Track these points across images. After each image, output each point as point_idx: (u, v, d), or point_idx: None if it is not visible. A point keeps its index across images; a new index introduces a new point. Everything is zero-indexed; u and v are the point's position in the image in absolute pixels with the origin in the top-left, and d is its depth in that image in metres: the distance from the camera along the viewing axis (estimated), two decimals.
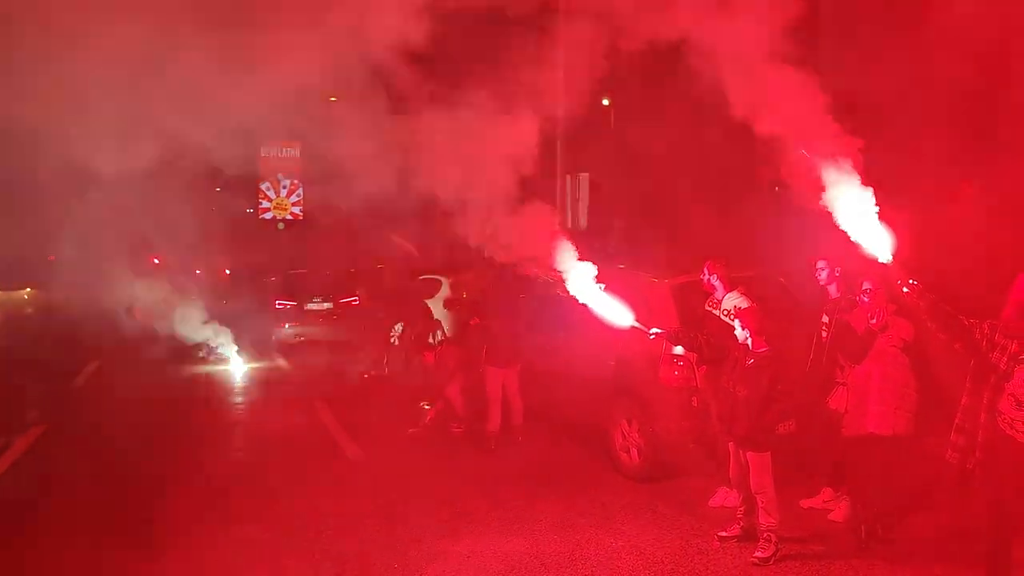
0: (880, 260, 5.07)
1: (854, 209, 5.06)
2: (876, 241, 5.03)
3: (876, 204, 5.06)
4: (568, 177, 13.75)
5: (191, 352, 15.10)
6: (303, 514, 7.05)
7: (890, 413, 5.75)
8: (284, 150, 31.98)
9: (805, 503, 6.63)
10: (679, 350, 7.14)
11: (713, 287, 6.92)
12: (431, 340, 9.96)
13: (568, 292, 6.29)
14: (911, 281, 4.84)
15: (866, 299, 5.85)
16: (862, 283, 5.83)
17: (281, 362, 15.44)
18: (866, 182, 5.09)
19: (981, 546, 4.75)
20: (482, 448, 8.83)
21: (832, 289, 6.49)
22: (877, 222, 5.05)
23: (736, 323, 5.93)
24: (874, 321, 5.69)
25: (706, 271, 6.95)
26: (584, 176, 14.59)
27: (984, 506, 4.77)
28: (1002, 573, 4.69)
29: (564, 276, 6.25)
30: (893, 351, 5.81)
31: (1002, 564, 4.68)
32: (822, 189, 5.16)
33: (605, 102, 24.24)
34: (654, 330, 6.24)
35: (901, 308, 5.67)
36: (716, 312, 6.83)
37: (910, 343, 5.80)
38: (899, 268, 4.95)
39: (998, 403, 4.51)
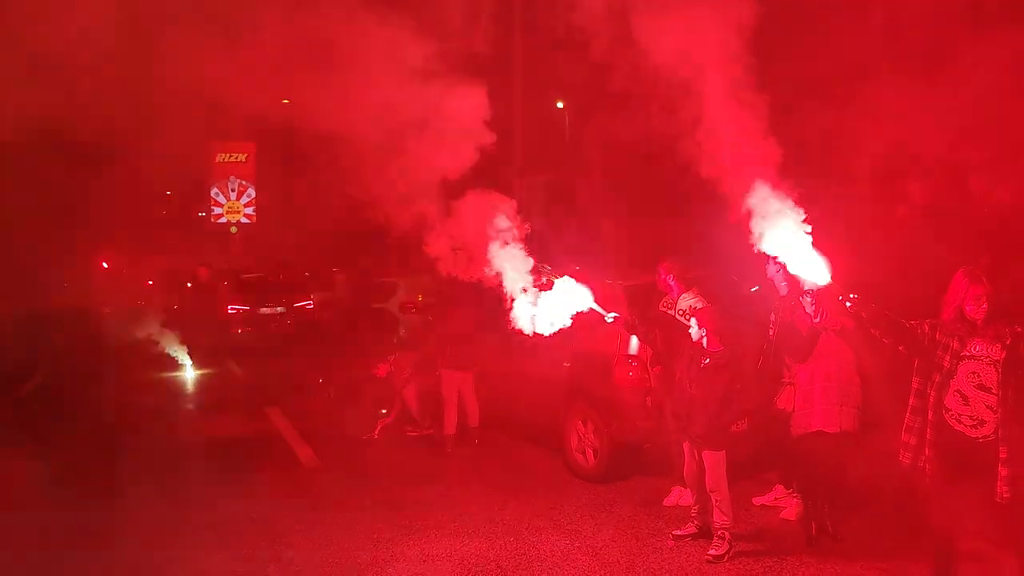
0: (820, 284, 5.17)
1: (787, 240, 5.13)
2: (813, 266, 5.10)
3: (808, 228, 5.13)
4: (524, 179, 13.76)
5: (142, 358, 14.79)
6: (256, 520, 6.95)
7: (836, 410, 5.83)
8: (235, 156, 31.68)
9: (757, 500, 6.71)
10: (633, 349, 7.18)
11: (669, 287, 6.96)
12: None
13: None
14: (852, 296, 4.92)
15: (809, 300, 5.90)
16: (805, 287, 5.88)
17: (234, 367, 15.20)
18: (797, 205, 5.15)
19: (929, 542, 4.82)
20: (438, 451, 8.80)
21: (783, 287, 6.55)
22: (810, 248, 5.13)
23: (692, 322, 5.97)
24: (818, 319, 5.77)
25: (661, 271, 6.98)
26: (540, 179, 14.63)
27: (932, 502, 4.85)
28: (949, 569, 4.77)
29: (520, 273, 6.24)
30: (837, 349, 5.87)
31: (949, 559, 4.77)
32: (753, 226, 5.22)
33: (559, 105, 24.40)
34: (612, 314, 6.26)
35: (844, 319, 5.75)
36: (671, 312, 6.87)
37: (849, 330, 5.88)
38: (839, 286, 5.03)
39: (944, 400, 4.60)
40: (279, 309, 16.97)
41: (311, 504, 7.34)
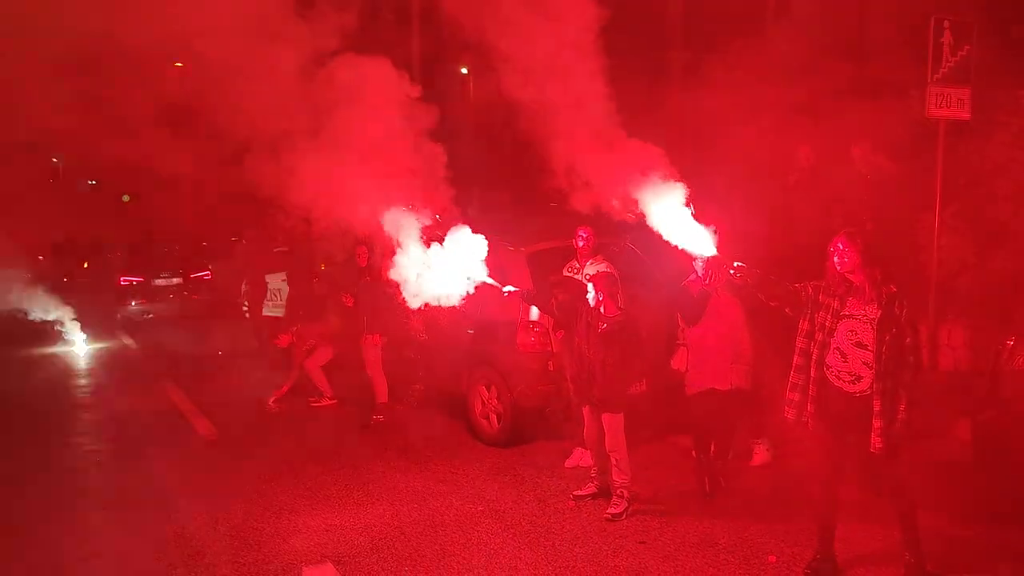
0: (706, 256, 5.32)
1: (670, 217, 5.25)
2: (697, 240, 5.25)
3: (688, 204, 5.27)
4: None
5: (31, 333, 14.13)
6: (152, 495, 6.81)
7: (727, 368, 6.08)
8: None
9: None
10: (535, 315, 7.27)
11: (585, 252, 7.06)
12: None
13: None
14: (736, 264, 5.10)
15: (700, 264, 6.08)
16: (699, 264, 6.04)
17: (128, 341, 14.69)
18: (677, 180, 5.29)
19: (814, 492, 5.07)
20: (367, 421, 8.68)
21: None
22: (693, 222, 5.27)
23: (589, 287, 6.08)
24: (707, 281, 5.98)
25: (582, 236, 7.07)
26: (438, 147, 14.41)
27: (815, 455, 5.08)
28: (828, 516, 5.02)
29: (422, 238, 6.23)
30: (728, 309, 6.11)
31: (828, 508, 5.02)
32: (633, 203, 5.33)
33: (464, 70, 24.08)
34: (508, 288, 6.31)
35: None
36: (577, 277, 6.98)
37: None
38: (724, 257, 5.20)
39: (826, 357, 4.83)
40: (175, 280, 16.41)
41: (209, 477, 7.21)
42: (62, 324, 14.18)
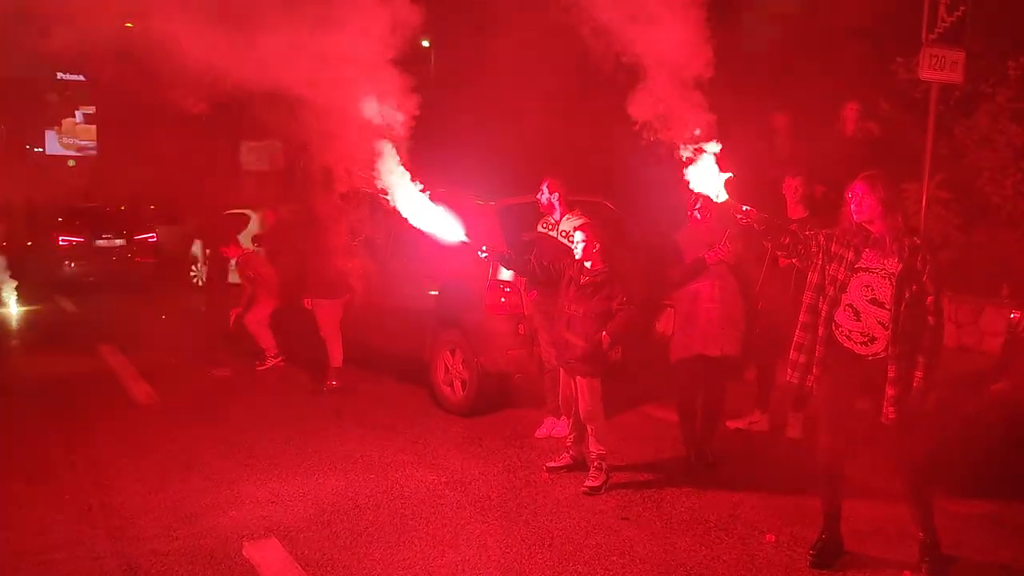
0: (716, 200, 4.77)
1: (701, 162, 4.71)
2: (712, 180, 4.70)
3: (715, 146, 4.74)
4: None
5: None
6: (81, 463, 6.16)
7: (717, 332, 5.57)
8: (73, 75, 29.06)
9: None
10: (506, 275, 6.70)
11: (552, 207, 6.47)
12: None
13: (392, 208, 5.59)
14: (744, 207, 4.59)
15: (698, 215, 5.62)
16: (695, 198, 5.53)
17: (66, 304, 13.81)
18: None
19: (817, 465, 4.57)
20: (321, 387, 8.08)
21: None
22: (714, 163, 4.73)
23: (577, 236, 5.52)
24: (701, 216, 5.48)
25: (545, 189, 6.46)
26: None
27: (819, 424, 4.61)
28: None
29: (388, 190, 5.55)
30: (721, 272, 5.59)
31: (834, 483, 4.54)
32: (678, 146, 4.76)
33: (425, 43, 23.44)
34: (484, 249, 5.67)
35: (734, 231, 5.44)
36: (552, 234, 6.40)
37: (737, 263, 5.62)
38: (733, 201, 4.67)
39: (835, 315, 4.33)
40: (118, 242, 15.53)
41: (146, 446, 6.54)
42: None
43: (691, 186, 4.72)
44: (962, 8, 8.16)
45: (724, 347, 5.58)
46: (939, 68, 8.15)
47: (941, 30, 8.10)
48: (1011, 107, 9.16)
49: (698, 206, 5.59)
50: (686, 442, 5.80)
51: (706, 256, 5.52)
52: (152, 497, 5.50)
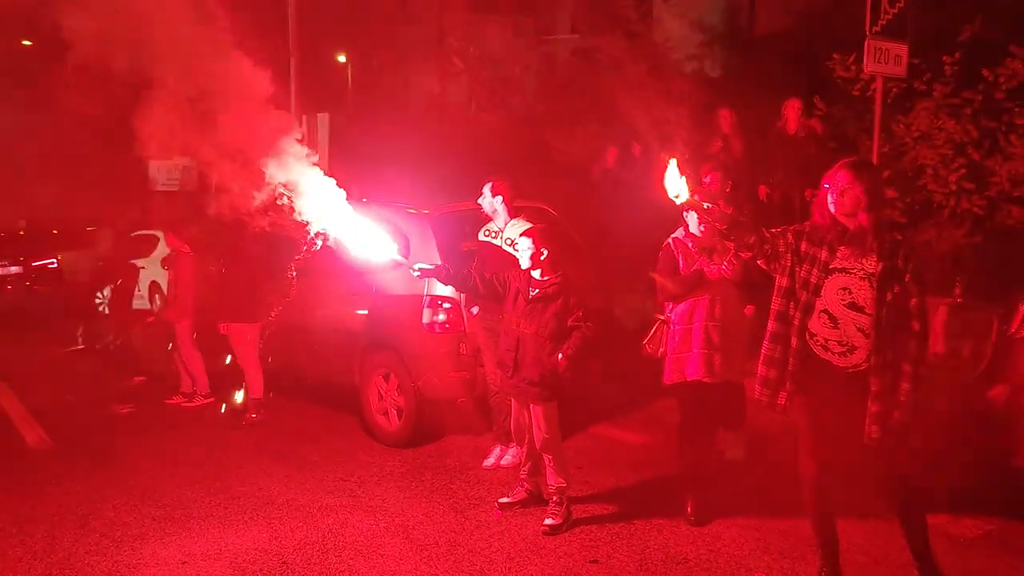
0: (679, 201, 4.20)
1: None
2: (675, 182, 4.16)
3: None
4: (304, 116, 12.29)
5: None
6: None
7: (717, 356, 4.82)
8: None
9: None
10: (446, 291, 6.06)
11: (493, 212, 5.86)
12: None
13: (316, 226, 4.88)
14: (705, 205, 4.07)
15: (700, 231, 4.92)
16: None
17: None
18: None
19: (801, 494, 4.06)
20: (239, 421, 7.29)
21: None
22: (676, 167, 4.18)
23: (523, 243, 4.89)
24: (725, 266, 4.75)
25: (488, 192, 5.82)
26: (323, 116, 13.22)
27: (798, 445, 4.10)
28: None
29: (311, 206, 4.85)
30: (722, 284, 4.84)
31: (822, 512, 4.04)
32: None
33: (341, 59, 22.79)
34: (418, 265, 4.99)
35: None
36: (495, 242, 5.78)
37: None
38: (694, 200, 4.12)
39: (809, 323, 3.83)
40: (14, 269, 14.36)
41: (35, 497, 5.69)
42: None
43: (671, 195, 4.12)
44: (903, 0, 8.01)
45: (726, 372, 4.87)
46: (883, 62, 8.00)
47: (884, 22, 7.92)
48: (948, 103, 9.04)
49: (696, 222, 4.91)
50: (681, 483, 5.00)
51: (705, 270, 4.86)
52: (37, 561, 4.70)
